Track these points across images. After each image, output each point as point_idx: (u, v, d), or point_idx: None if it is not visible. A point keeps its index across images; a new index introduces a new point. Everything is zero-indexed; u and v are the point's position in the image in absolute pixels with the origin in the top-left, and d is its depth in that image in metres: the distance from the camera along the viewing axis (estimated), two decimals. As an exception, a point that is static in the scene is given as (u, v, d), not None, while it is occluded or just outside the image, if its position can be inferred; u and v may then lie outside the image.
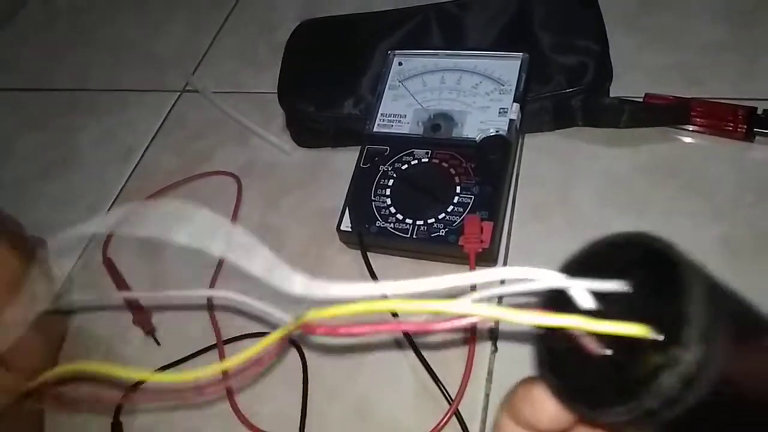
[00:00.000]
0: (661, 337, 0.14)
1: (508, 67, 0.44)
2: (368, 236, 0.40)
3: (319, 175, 0.48)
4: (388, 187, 0.42)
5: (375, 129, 0.45)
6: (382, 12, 0.52)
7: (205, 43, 0.61)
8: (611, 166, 0.43)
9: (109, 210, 0.50)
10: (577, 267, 0.16)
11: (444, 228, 0.39)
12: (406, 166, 0.42)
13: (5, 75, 0.64)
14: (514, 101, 0.42)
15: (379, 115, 0.45)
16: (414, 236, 0.39)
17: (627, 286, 0.15)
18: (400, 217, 0.40)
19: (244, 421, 0.36)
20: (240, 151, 0.51)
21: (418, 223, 0.40)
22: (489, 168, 0.40)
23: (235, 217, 0.47)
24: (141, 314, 0.42)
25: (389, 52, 0.48)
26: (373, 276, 0.39)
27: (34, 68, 0.64)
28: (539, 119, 0.45)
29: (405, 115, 0.45)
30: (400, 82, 0.46)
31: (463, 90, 0.44)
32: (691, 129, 0.43)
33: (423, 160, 0.42)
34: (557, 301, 0.16)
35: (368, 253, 0.40)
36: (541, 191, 0.43)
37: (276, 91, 0.50)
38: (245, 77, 0.57)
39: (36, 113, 0.59)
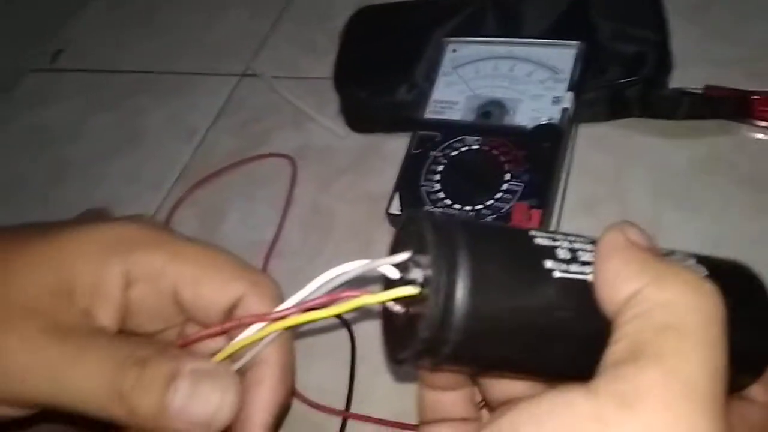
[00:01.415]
0: (417, 291, 0.17)
1: (563, 55, 0.44)
2: (417, 220, 0.41)
3: (371, 159, 0.49)
4: (438, 172, 0.42)
5: (427, 115, 0.45)
6: (439, 0, 0.53)
7: (266, 29, 0.63)
8: (667, 158, 0.43)
9: (171, 188, 0.52)
10: (395, 246, 0.19)
11: (492, 214, 0.39)
12: (456, 152, 0.43)
13: (77, 58, 0.68)
14: (569, 90, 0.42)
15: (431, 101, 0.46)
16: (462, 221, 0.40)
17: (407, 255, 0.18)
18: (448, 202, 0.41)
19: (294, 392, 0.38)
20: (296, 134, 0.53)
21: (466, 208, 0.40)
22: (540, 156, 0.41)
23: (289, 198, 0.48)
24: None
25: (444, 39, 0.48)
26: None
27: (103, 52, 0.67)
28: (594, 109, 0.45)
29: (457, 102, 0.45)
30: (453, 69, 0.47)
31: (516, 78, 0.44)
32: (751, 123, 0.42)
33: (473, 146, 0.42)
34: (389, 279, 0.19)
35: (416, 237, 0.41)
36: (594, 182, 0.43)
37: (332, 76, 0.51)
38: (303, 63, 0.58)
39: (104, 95, 0.62)
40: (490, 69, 0.46)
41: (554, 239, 0.18)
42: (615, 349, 0.15)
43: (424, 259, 0.18)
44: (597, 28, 0.46)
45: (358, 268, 0.19)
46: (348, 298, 0.18)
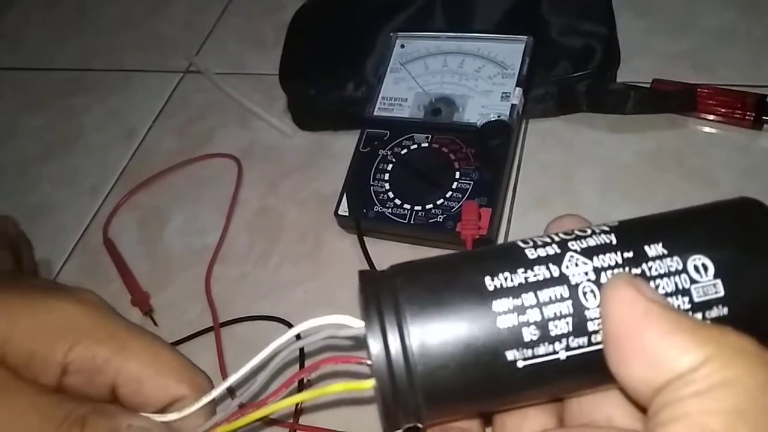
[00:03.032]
0: (370, 385, 0.16)
1: (512, 50, 0.43)
2: (366, 221, 0.40)
3: (319, 158, 0.48)
4: (387, 171, 0.41)
5: (375, 112, 0.44)
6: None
7: (210, 24, 0.60)
8: (615, 152, 0.43)
9: (110, 191, 0.50)
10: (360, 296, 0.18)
11: (442, 214, 0.38)
12: (405, 150, 0.42)
13: (9, 55, 0.64)
14: (517, 85, 0.42)
15: (380, 98, 0.45)
16: (412, 222, 0.39)
17: (362, 328, 0.17)
18: (398, 202, 0.40)
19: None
20: (241, 133, 0.51)
21: (416, 208, 0.39)
22: (489, 154, 0.40)
23: (235, 199, 0.46)
24: (139, 295, 0.42)
25: (392, 34, 0.47)
26: (369, 261, 0.39)
27: (38, 48, 0.64)
28: (543, 104, 0.44)
29: (406, 99, 0.44)
30: (402, 65, 0.46)
31: (465, 74, 0.44)
32: (698, 116, 0.42)
33: (423, 144, 0.41)
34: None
35: (366, 238, 0.40)
36: (543, 178, 0.43)
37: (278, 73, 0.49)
38: (249, 58, 0.56)
39: (39, 93, 0.59)
40: (440, 65, 0.45)
41: (522, 309, 0.16)
42: (676, 430, 0.14)
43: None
44: (547, 23, 0.46)
45: (321, 336, 0.18)
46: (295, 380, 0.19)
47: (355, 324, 0.17)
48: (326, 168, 0.47)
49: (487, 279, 0.16)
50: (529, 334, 0.15)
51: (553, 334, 0.15)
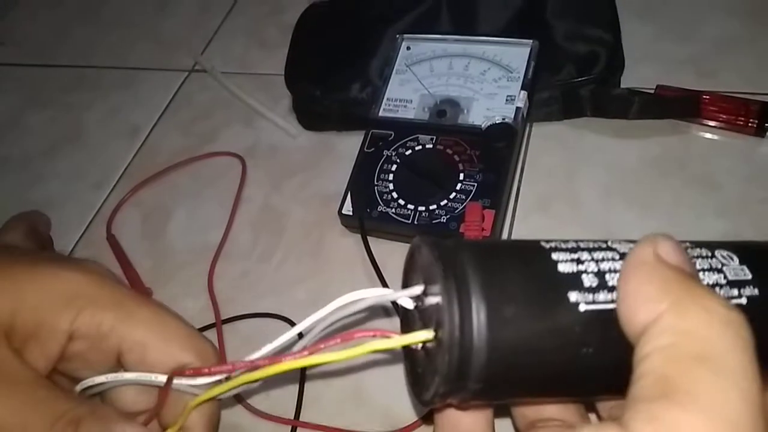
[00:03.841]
0: (431, 336, 0.16)
1: (517, 54, 0.44)
2: (369, 221, 0.40)
3: (323, 158, 0.48)
4: (391, 172, 0.41)
5: (380, 113, 0.44)
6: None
7: (216, 23, 0.61)
8: (619, 157, 0.43)
9: (113, 188, 0.50)
10: (408, 268, 0.19)
11: (446, 215, 0.39)
12: (410, 151, 0.42)
13: (14, 51, 0.64)
14: (522, 89, 0.42)
15: (385, 99, 0.45)
16: (415, 222, 0.39)
17: (420, 289, 0.17)
18: (402, 202, 0.40)
19: (241, 401, 0.36)
20: (246, 132, 0.51)
21: (420, 209, 0.39)
22: (494, 156, 0.40)
23: (238, 198, 0.47)
24: (141, 290, 0.42)
25: (398, 36, 0.47)
26: (373, 261, 0.39)
27: (43, 44, 0.64)
28: (547, 108, 0.45)
29: (411, 100, 0.44)
30: (407, 66, 0.46)
31: (470, 76, 0.44)
32: (701, 122, 0.42)
33: (427, 146, 0.42)
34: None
35: (369, 238, 0.40)
36: (547, 181, 0.43)
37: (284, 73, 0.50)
38: (254, 58, 0.57)
39: (43, 89, 0.59)
40: (445, 67, 0.45)
41: (579, 261, 0.16)
42: (643, 385, 0.14)
43: (437, 289, 0.17)
44: (552, 27, 0.46)
45: (373, 297, 0.18)
46: (360, 339, 0.18)
47: (396, 294, 0.18)
48: (330, 168, 0.47)
49: (543, 242, 0.17)
50: (589, 280, 0.16)
51: (610, 284, 0.16)
